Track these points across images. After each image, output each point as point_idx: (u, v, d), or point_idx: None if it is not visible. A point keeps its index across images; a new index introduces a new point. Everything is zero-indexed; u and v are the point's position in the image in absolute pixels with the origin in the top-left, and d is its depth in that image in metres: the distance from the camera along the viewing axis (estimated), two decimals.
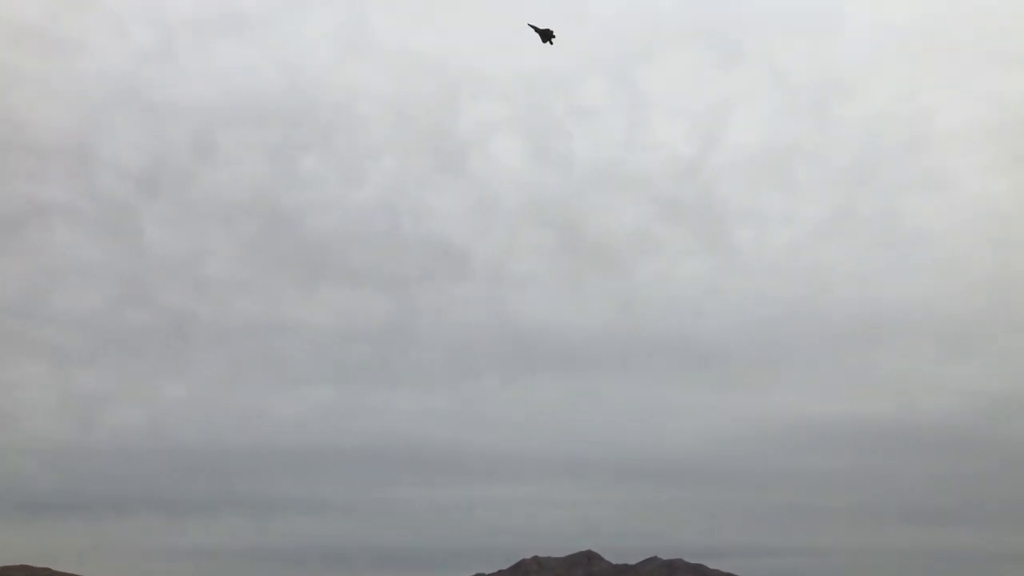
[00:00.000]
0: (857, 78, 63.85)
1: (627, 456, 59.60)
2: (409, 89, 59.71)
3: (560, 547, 70.45)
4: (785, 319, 61.38)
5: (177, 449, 47.00)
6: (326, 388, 54.33)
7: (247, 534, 45.93)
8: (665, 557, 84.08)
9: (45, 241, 49.74)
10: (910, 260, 67.00)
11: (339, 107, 58.02)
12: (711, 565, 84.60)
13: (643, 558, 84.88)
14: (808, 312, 62.22)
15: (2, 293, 46.47)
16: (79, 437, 44.68)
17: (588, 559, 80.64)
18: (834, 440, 59.05)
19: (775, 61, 61.40)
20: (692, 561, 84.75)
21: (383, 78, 58.70)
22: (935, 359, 64.68)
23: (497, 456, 53.89)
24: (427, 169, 62.07)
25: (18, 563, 60.32)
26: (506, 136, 61.07)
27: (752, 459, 58.72)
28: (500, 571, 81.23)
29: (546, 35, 30.93)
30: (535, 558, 78.59)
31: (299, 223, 57.46)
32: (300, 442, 50.07)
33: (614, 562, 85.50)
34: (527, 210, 64.62)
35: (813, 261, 64.18)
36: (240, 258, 55.44)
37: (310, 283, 56.89)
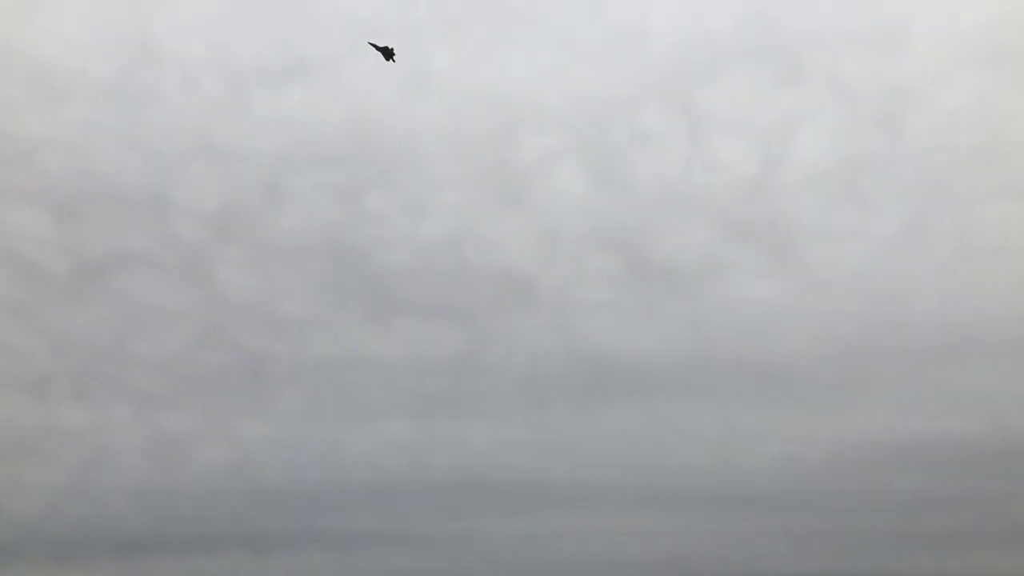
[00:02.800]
0: (924, 88, 62.37)
1: (705, 483, 58.40)
2: (469, 124, 60.48)
3: None
4: (862, 337, 59.66)
5: (259, 486, 47.60)
6: (401, 422, 54.54)
7: (330, 569, 46.19)
8: None
9: (127, 288, 51.39)
10: (989, 272, 64.90)
11: (402, 145, 58.98)
12: None
13: None
14: (886, 329, 60.51)
15: (89, 339, 48.04)
16: (166, 477, 45.66)
17: None
18: (921, 461, 56.96)
19: (838, 75, 60.35)
20: None
21: (443, 114, 59.55)
22: (1022, 374, 62.33)
23: (575, 486, 53.19)
24: (490, 201, 62.52)
25: None
26: (567, 164, 61.16)
27: (836, 482, 56.91)
28: None
29: (387, 53, 31.32)
30: None
31: (368, 260, 58.17)
32: (378, 476, 50.23)
33: None
34: (591, 237, 64.33)
35: (888, 277, 62.46)
36: (312, 297, 56.40)
37: (381, 318, 57.46)
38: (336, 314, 57.73)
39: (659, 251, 64.37)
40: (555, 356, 63.17)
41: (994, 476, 54.97)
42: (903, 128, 61.41)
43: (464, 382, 58.63)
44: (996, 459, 55.01)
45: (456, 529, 52.69)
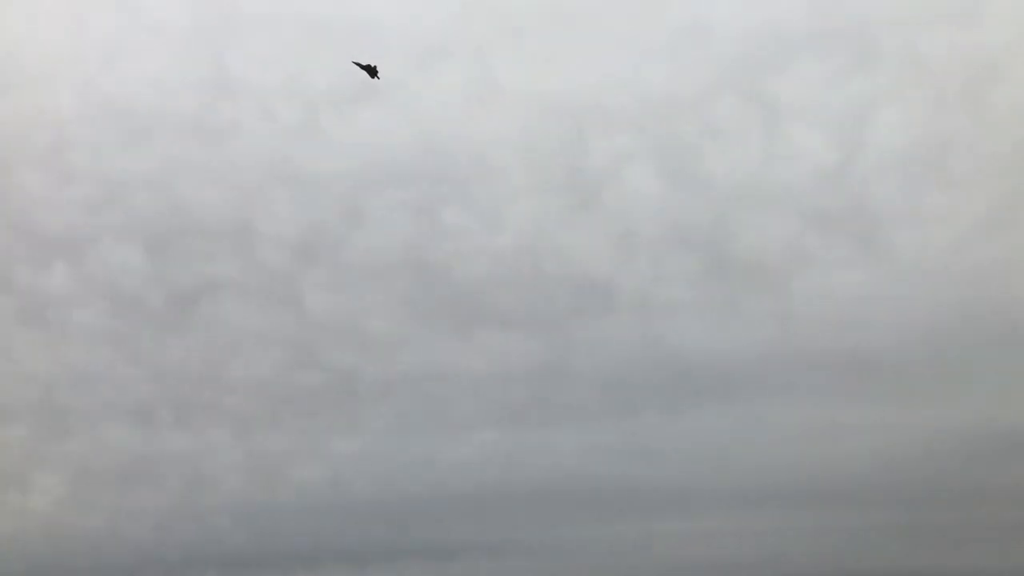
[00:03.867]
0: (1006, 61, 60.10)
1: (801, 481, 56.96)
2: (538, 132, 60.64)
3: None
4: (958, 323, 57.44)
5: (355, 501, 48.46)
6: (490, 432, 54.80)
7: None
8: None
9: (218, 314, 53.09)
10: None
11: (473, 158, 59.51)
12: None
13: None
14: (983, 313, 58.12)
15: (186, 365, 49.77)
16: (265, 495, 46.92)
17: None
18: None
19: (916, 55, 58.45)
20: None
21: (512, 125, 59.88)
22: None
23: (667, 489, 52.51)
24: (564, 207, 62.43)
25: None
26: (639, 165, 60.62)
27: (937, 476, 54.82)
28: None
29: (371, 71, 31.39)
30: None
31: (447, 274, 58.75)
32: (470, 486, 50.58)
33: None
34: (669, 236, 63.56)
35: (980, 259, 59.98)
36: (396, 313, 57.25)
37: (464, 331, 57.91)
38: (420, 329, 58.22)
39: (740, 246, 63.08)
40: (638, 359, 62.40)
41: None
42: (986, 103, 59.16)
43: (549, 390, 58.49)
44: None
45: (550, 537, 52.58)
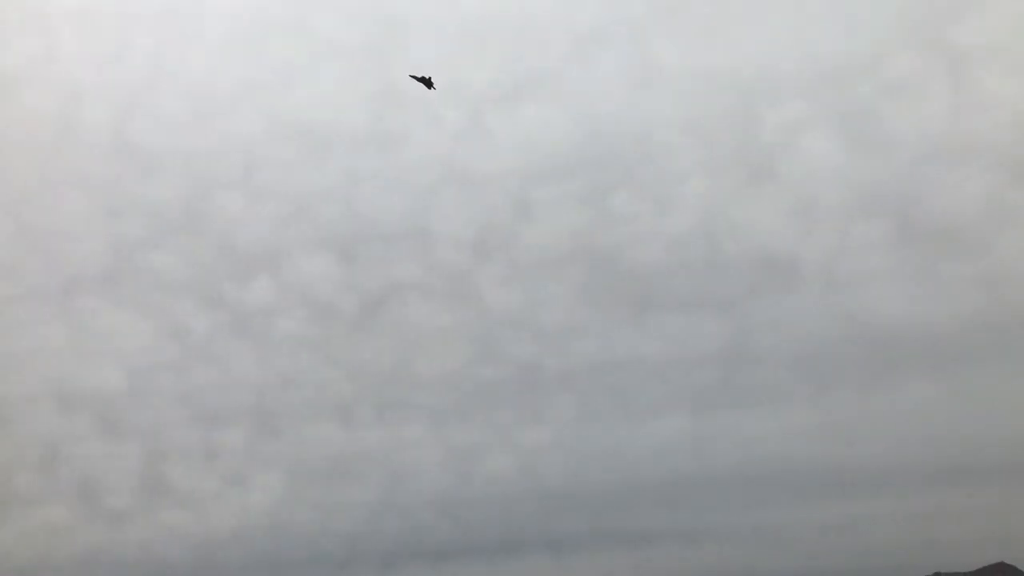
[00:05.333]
0: None
1: (1020, 452, 52.63)
2: (704, 109, 59.09)
3: (967, 561, 62.51)
4: None
5: (547, 491, 49.14)
6: (677, 417, 53.95)
7: (628, 566, 46.65)
8: None
9: (405, 315, 55.31)
10: None
11: (639, 141, 58.82)
12: None
13: None
14: None
15: (378, 365, 52.13)
16: (461, 487, 48.38)
17: (1002, 572, 71.46)
18: None
19: None
20: None
21: (676, 104, 58.68)
22: None
23: (873, 469, 49.77)
24: (737, 183, 60.48)
25: None
26: (815, 132, 57.74)
27: None
28: None
29: (427, 83, 30.34)
30: (936, 575, 70.99)
31: (621, 261, 58.32)
32: (660, 472, 50.05)
33: None
34: (853, 204, 60.28)
35: None
36: (573, 303, 57.49)
37: (642, 316, 57.30)
38: (597, 317, 58.17)
39: (933, 208, 59.01)
40: (829, 335, 59.61)
41: None
42: None
43: (735, 372, 56.90)
44: None
45: (747, 521, 51.19)
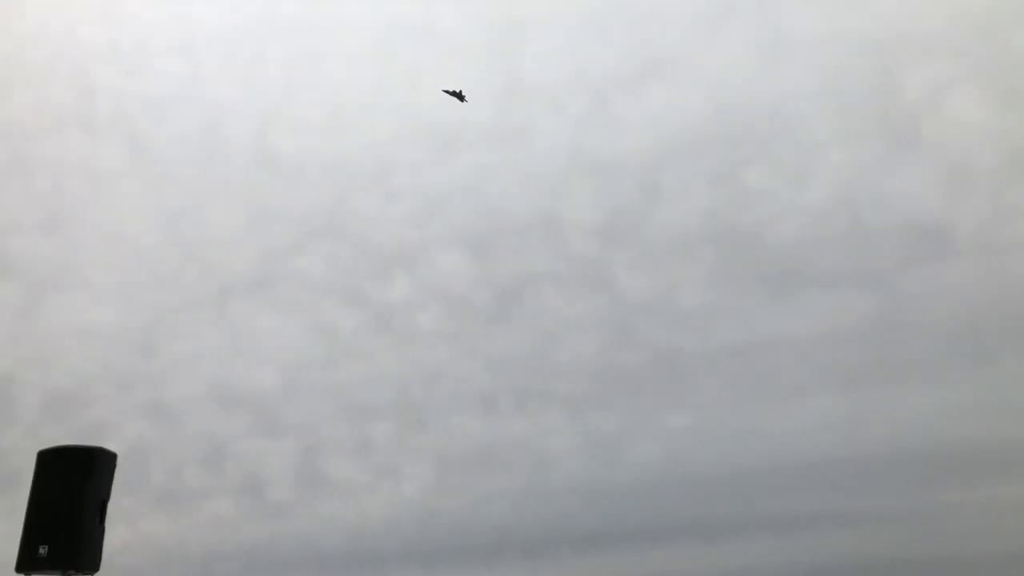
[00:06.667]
0: None
1: None
2: (839, 75, 56.54)
3: None
4: None
5: (691, 476, 48.42)
6: (824, 397, 52.01)
7: (782, 552, 45.49)
8: None
9: (539, 306, 55.69)
10: None
11: (771, 114, 56.80)
12: None
13: None
14: None
15: (516, 356, 52.76)
16: (605, 474, 48.40)
17: None
18: None
19: None
20: None
21: (808, 72, 56.33)
22: None
23: None
24: (878, 151, 57.52)
25: None
26: (962, 92, 54.15)
27: None
28: None
29: (460, 96, 28.92)
30: None
31: (758, 239, 56.65)
32: (810, 455, 48.45)
33: None
34: (1008, 166, 56.26)
35: None
36: (708, 285, 56.32)
37: (782, 295, 55.55)
38: (735, 298, 56.95)
39: None
40: (987, 305, 56.32)
41: None
42: None
43: (885, 348, 54.43)
44: None
45: (907, 503, 48.88)
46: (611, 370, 57.35)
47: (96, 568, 11.78)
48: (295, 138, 57.03)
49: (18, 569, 11.54)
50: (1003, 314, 58.22)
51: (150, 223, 53.83)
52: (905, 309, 58.97)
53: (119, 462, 12.26)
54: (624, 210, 62.75)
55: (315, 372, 50.72)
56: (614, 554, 50.03)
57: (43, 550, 11.20)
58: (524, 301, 60.44)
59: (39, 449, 12.05)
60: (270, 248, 54.25)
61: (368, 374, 52.20)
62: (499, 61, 59.73)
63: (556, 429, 54.89)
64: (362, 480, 47.23)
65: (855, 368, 58.03)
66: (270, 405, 49.65)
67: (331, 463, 47.87)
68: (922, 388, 55.31)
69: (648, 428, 57.08)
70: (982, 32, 55.95)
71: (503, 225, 59.36)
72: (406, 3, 58.68)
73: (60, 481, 11.58)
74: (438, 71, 60.68)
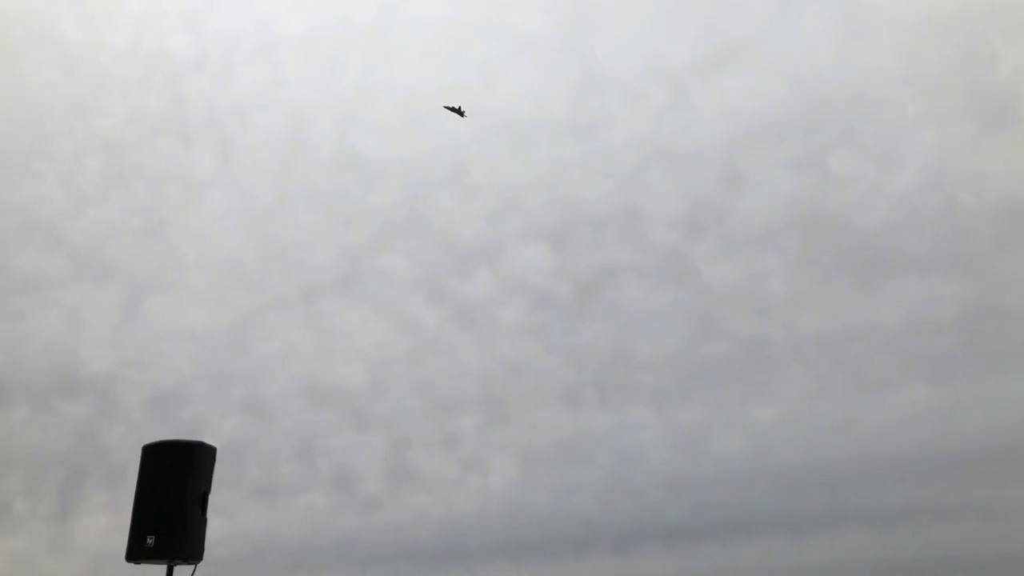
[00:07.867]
0: None
1: None
2: (926, 52, 54.54)
3: None
4: None
5: (780, 469, 47.54)
6: (916, 388, 50.35)
7: (873, 546, 44.31)
8: None
9: (620, 298, 55.45)
10: None
11: (855, 96, 55.13)
12: None
13: None
14: None
15: (598, 349, 52.73)
16: (691, 467, 47.95)
17: None
18: None
19: None
20: None
21: (894, 50, 54.47)
22: None
23: None
24: (971, 131, 55.31)
25: None
26: None
27: None
28: None
29: (460, 112, 28.20)
30: None
31: (844, 225, 55.17)
32: (902, 447, 46.97)
33: None
34: None
35: None
36: (794, 274, 55.14)
37: (871, 283, 53.96)
38: (822, 287, 55.68)
39: None
40: None
41: None
42: None
43: (982, 336, 52.43)
44: None
45: (1003, 496, 47.10)
46: (695, 362, 56.76)
47: (199, 558, 12.42)
48: (374, 139, 58.21)
49: (128, 558, 12.26)
50: None
51: (238, 226, 55.67)
52: (1002, 295, 56.54)
53: (217, 456, 12.89)
54: (705, 200, 61.95)
55: (401, 368, 51.72)
56: (702, 548, 49.61)
57: (150, 540, 11.86)
58: (605, 294, 60.35)
59: (143, 444, 12.75)
60: (353, 247, 55.53)
61: (452, 369, 52.93)
62: (572, 55, 59.69)
63: (640, 423, 54.70)
64: (449, 474, 47.97)
65: (950, 357, 55.95)
66: (359, 401, 50.84)
67: (419, 457, 48.77)
68: (1021, 377, 52.98)
69: (734, 421, 56.34)
70: None
71: (581, 217, 59.37)
72: (477, 2, 59.21)
73: (164, 474, 12.23)
74: (511, 66, 61.01)
